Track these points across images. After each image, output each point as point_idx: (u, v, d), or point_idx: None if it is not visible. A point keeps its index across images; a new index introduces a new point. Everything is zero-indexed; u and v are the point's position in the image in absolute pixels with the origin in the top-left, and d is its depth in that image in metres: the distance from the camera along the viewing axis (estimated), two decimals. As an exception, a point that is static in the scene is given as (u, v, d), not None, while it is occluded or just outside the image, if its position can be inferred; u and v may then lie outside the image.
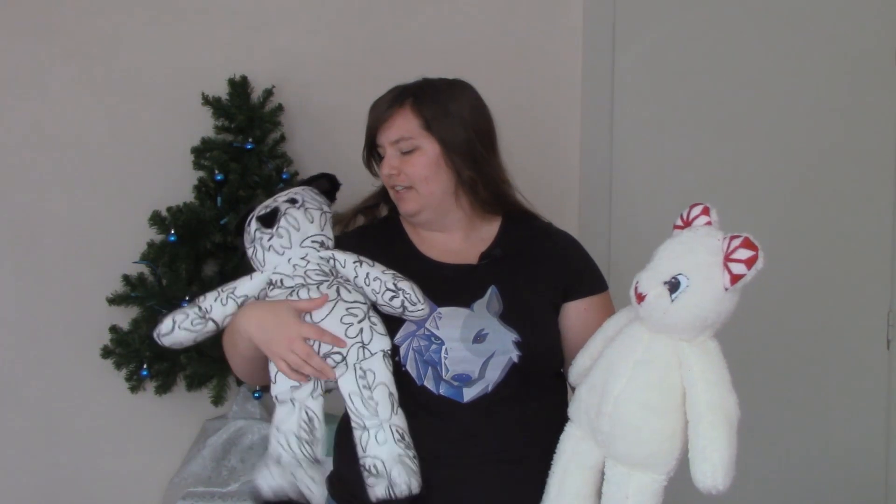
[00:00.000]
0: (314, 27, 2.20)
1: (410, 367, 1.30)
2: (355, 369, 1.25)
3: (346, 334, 1.24)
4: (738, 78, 2.28)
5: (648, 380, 1.10)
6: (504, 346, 1.30)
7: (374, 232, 1.49)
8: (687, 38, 2.29)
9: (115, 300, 2.01)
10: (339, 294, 1.27)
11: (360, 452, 1.24)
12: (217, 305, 1.32)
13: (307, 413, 1.26)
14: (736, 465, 1.05)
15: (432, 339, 1.30)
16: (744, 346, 2.30)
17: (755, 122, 2.28)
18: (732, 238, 1.05)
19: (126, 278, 2.02)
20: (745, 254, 1.02)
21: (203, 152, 2.02)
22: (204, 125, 2.06)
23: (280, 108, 2.08)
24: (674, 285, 1.06)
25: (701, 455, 1.05)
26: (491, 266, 1.38)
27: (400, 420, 1.25)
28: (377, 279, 1.27)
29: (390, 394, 1.25)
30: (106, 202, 2.15)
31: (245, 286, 1.33)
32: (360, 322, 1.25)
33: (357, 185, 1.55)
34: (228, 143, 2.02)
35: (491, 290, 1.34)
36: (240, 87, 2.05)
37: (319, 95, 2.16)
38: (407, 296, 1.26)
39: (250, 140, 2.02)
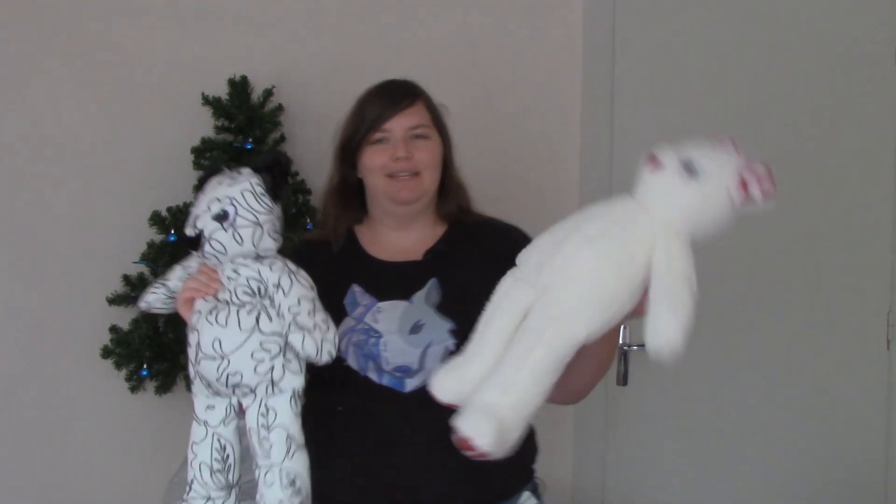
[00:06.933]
0: (314, 27, 2.20)
1: (352, 362, 1.34)
2: (260, 405, 1.22)
3: (255, 371, 1.19)
4: (737, 78, 2.28)
5: (619, 238, 1.08)
6: (440, 336, 1.32)
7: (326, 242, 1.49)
8: (687, 38, 2.29)
9: (115, 300, 2.01)
10: (257, 324, 1.20)
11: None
12: (179, 285, 1.31)
13: (219, 441, 1.26)
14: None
15: (371, 332, 1.34)
16: (744, 345, 2.31)
17: (755, 122, 2.28)
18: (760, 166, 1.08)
19: (126, 278, 2.02)
20: (766, 186, 1.06)
21: (203, 152, 2.02)
22: (204, 125, 2.06)
23: (280, 108, 2.08)
24: (689, 169, 1.07)
25: (672, 311, 1.03)
26: (435, 261, 1.42)
27: (295, 464, 1.22)
28: (282, 315, 1.20)
29: (288, 437, 1.22)
30: (106, 202, 2.15)
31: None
32: (272, 358, 1.20)
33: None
34: (228, 143, 2.02)
35: (431, 282, 1.37)
36: (240, 87, 2.05)
37: (319, 95, 2.16)
38: (297, 350, 1.20)
39: (250, 140, 2.02)
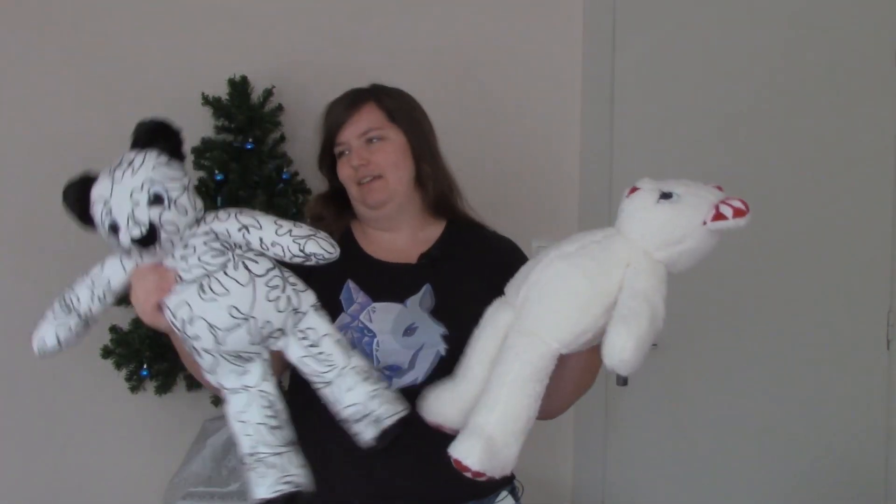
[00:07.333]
0: (314, 27, 2.20)
1: None
2: (295, 334, 1.21)
3: (278, 311, 1.17)
4: (737, 78, 2.28)
5: (595, 253, 1.12)
6: (432, 339, 1.34)
7: None
8: (687, 38, 2.29)
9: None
10: (249, 271, 1.16)
11: (335, 409, 1.22)
12: (97, 305, 1.23)
13: (267, 399, 1.21)
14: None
15: (365, 331, 1.36)
16: (743, 345, 2.31)
17: (755, 122, 2.28)
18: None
19: (126, 278, 2.02)
20: (738, 204, 1.07)
21: (203, 152, 2.02)
22: (204, 125, 2.06)
23: (280, 108, 2.08)
24: (666, 195, 1.11)
25: (626, 326, 1.04)
26: (429, 265, 1.43)
27: (358, 360, 1.22)
28: (277, 244, 1.16)
29: (338, 340, 1.21)
30: (106, 202, 2.15)
31: (119, 276, 1.20)
32: (283, 290, 1.18)
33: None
34: (228, 143, 2.02)
35: (425, 288, 1.39)
36: (240, 87, 2.05)
37: (319, 95, 2.15)
38: (319, 258, 1.17)
39: (250, 140, 2.02)
